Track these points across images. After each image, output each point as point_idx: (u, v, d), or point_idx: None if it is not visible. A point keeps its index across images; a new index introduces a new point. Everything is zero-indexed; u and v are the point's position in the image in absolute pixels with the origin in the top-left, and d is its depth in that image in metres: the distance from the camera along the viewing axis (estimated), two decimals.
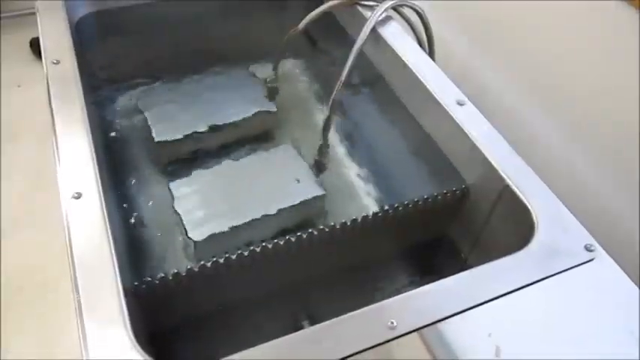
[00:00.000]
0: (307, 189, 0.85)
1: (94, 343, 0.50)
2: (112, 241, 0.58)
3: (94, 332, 0.51)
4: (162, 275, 0.63)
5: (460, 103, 0.75)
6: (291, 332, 0.67)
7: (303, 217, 0.87)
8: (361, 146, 0.95)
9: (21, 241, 1.36)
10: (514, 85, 0.96)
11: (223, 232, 0.80)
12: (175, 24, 0.96)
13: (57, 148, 0.65)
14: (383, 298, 0.84)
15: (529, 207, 0.64)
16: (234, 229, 0.81)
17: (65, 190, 0.61)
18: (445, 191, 0.73)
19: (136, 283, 0.62)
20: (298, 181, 0.86)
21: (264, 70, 1.02)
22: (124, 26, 0.93)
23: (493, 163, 0.69)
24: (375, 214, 0.71)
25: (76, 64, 0.76)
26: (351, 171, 0.94)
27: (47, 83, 0.74)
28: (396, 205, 0.72)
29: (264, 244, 0.66)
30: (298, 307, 0.79)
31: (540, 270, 0.59)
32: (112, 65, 0.95)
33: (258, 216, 0.82)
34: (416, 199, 0.72)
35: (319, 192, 0.85)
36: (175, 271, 0.63)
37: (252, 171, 0.88)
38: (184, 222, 0.80)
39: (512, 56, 0.96)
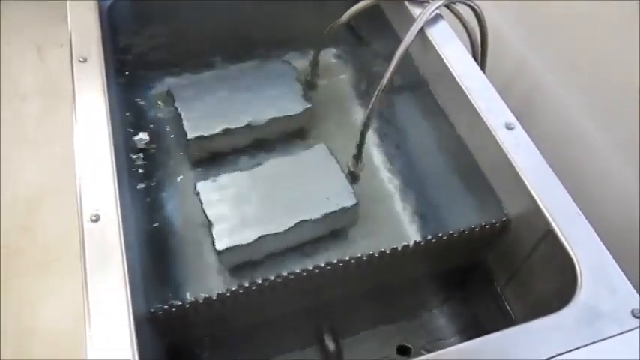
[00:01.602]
0: (340, 198, 0.81)
1: None
2: (127, 272, 0.56)
3: None
4: (179, 303, 0.61)
5: (509, 127, 0.69)
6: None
7: (334, 226, 0.83)
8: (399, 156, 0.89)
9: (60, 209, 1.37)
10: (574, 91, 0.88)
11: (249, 243, 0.77)
12: (211, 12, 0.91)
13: (76, 160, 0.63)
14: (409, 325, 0.81)
15: (573, 258, 0.59)
16: (261, 238, 0.78)
17: (84, 212, 0.59)
18: (484, 223, 0.68)
19: (152, 310, 0.60)
20: (330, 188, 0.82)
21: (303, 62, 0.97)
22: (156, 13, 0.89)
23: (538, 201, 0.63)
24: (405, 247, 0.67)
25: (103, 62, 0.73)
26: (387, 181, 0.89)
27: (73, 83, 0.71)
28: (429, 238, 0.68)
29: (285, 274, 0.64)
30: (322, 332, 0.77)
31: (579, 336, 0.54)
32: (143, 54, 0.92)
33: (287, 226, 0.78)
34: (451, 232, 0.68)
35: (352, 202, 0.81)
36: (193, 299, 0.61)
37: (284, 174, 0.84)
38: (213, 230, 0.78)
39: (575, 58, 0.87)
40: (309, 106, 0.91)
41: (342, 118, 0.94)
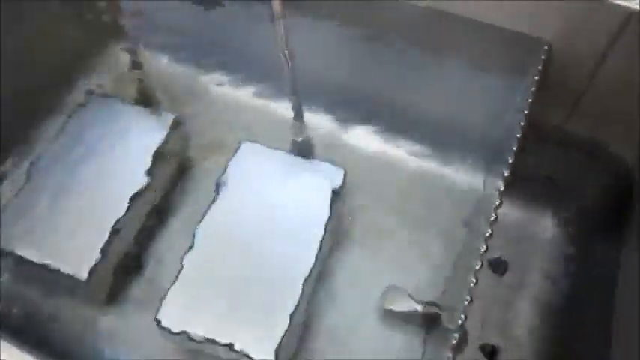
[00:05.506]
0: (323, 182, 0.55)
1: None
2: None
3: None
4: None
5: None
6: None
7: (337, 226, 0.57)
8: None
9: None
10: None
11: (286, 332, 0.48)
12: None
13: None
14: None
15: None
16: (291, 327, 0.49)
17: None
18: None
19: None
20: (302, 181, 0.55)
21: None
22: None
23: None
24: None
25: None
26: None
27: None
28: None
29: None
30: None
31: None
32: None
33: (297, 298, 0.50)
34: None
35: (340, 175, 0.55)
36: None
37: (238, 216, 0.54)
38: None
39: None
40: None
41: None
